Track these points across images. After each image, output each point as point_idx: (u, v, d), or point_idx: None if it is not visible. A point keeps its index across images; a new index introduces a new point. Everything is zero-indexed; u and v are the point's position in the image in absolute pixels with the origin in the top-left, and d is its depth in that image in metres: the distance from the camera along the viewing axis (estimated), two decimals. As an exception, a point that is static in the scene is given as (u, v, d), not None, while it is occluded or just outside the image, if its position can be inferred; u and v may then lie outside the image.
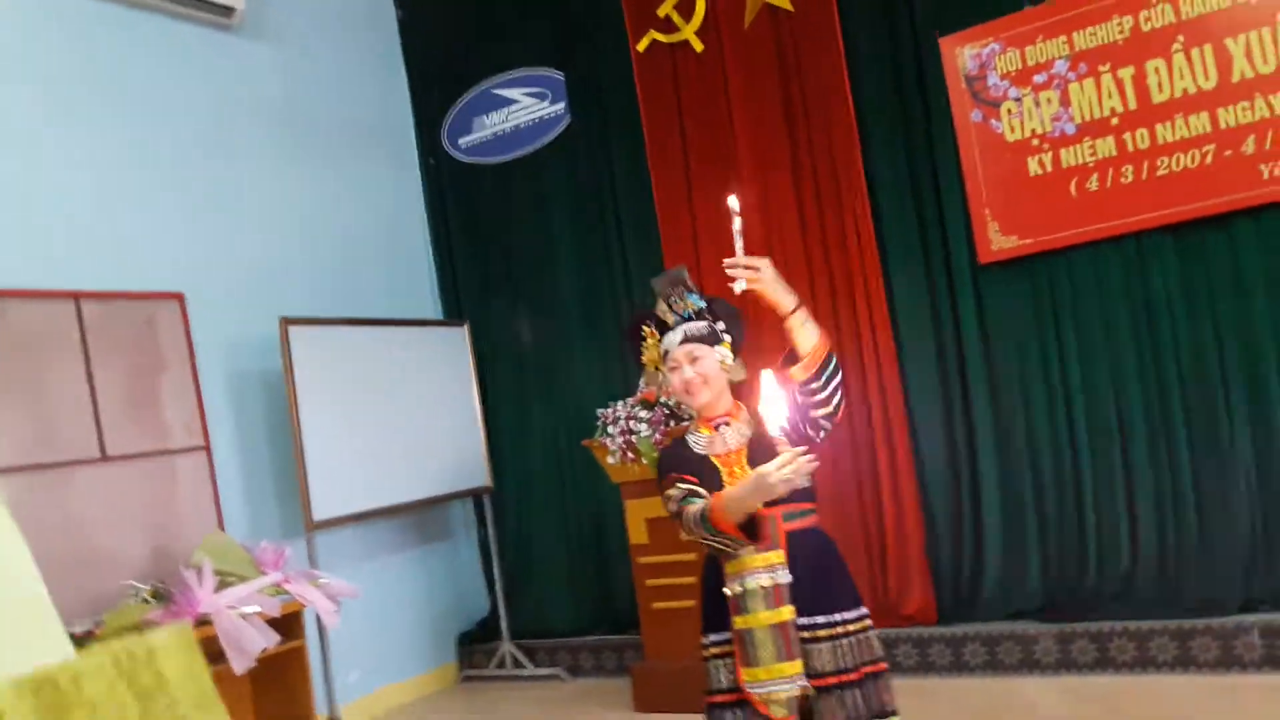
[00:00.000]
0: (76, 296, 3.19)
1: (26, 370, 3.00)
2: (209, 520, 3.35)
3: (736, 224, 1.64)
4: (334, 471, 3.55)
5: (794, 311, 1.67)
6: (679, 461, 1.73)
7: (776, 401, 1.49)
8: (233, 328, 3.58)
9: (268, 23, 3.97)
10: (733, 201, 1.64)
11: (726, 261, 1.66)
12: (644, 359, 1.83)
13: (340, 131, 4.18)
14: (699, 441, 1.75)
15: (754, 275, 1.65)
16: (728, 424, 1.75)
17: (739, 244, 1.64)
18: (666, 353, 1.77)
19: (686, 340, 1.75)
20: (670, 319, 1.78)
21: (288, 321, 3.49)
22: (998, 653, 3.18)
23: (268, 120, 3.92)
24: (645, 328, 1.82)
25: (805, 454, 1.49)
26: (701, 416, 1.77)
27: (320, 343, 3.62)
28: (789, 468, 1.47)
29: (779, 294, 1.66)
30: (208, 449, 3.41)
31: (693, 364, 1.73)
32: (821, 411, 1.66)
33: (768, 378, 1.51)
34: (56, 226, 3.19)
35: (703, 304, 1.77)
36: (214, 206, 3.67)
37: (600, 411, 3.46)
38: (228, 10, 3.76)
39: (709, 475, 1.69)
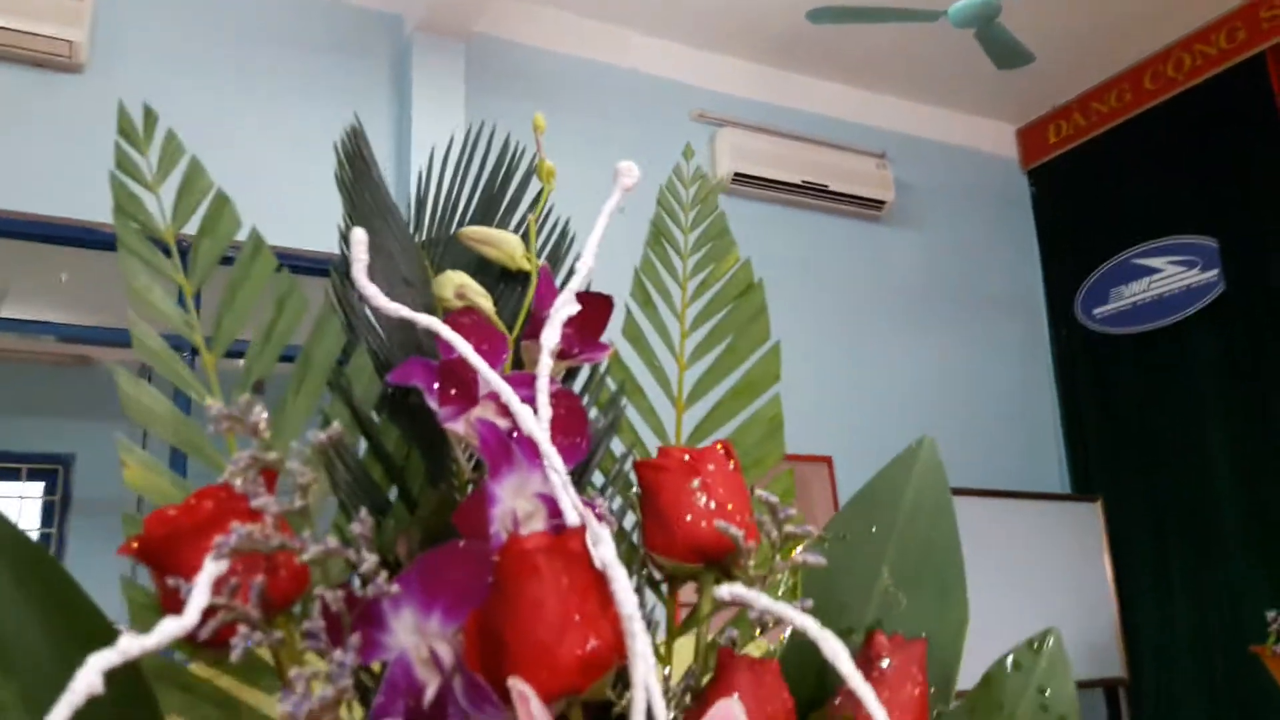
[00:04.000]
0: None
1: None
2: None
3: None
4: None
5: None
6: None
7: None
8: (874, 492, 4.35)
9: (911, 209, 4.80)
10: None
11: None
12: None
13: (970, 304, 4.82)
14: None
15: None
16: None
17: None
18: None
19: None
20: None
21: (927, 491, 4.11)
22: None
23: (905, 296, 4.70)
24: None
25: None
26: None
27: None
28: None
29: None
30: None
31: None
32: None
33: None
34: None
35: None
36: (856, 376, 4.50)
37: (1272, 615, 3.46)
38: (879, 204, 4.66)
39: None
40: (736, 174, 4.32)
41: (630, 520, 0.56)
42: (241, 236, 0.59)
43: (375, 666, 0.48)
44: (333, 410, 0.50)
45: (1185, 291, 4.41)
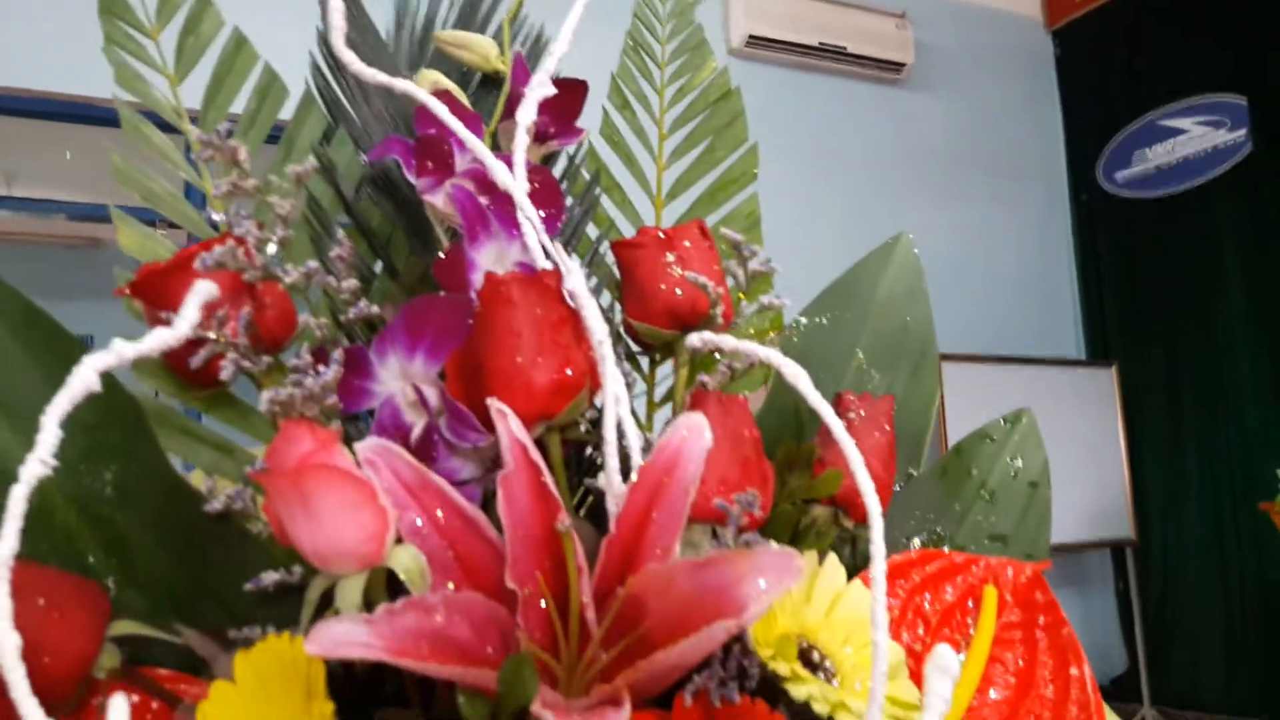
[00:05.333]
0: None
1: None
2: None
3: None
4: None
5: None
6: None
7: None
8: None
9: (932, 73, 4.69)
10: None
11: None
12: None
13: (990, 169, 4.76)
14: None
15: None
16: None
17: None
18: None
19: None
20: None
21: (940, 357, 4.15)
22: None
23: (923, 163, 4.64)
24: None
25: None
26: None
27: (966, 379, 4.22)
28: None
29: None
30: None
31: None
32: None
33: None
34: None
35: None
36: (872, 241, 4.47)
37: (1283, 471, 3.52)
38: (898, 66, 4.56)
39: None
40: (751, 36, 4.22)
41: (607, 300, 0.59)
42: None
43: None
44: (316, 186, 0.52)
45: (1211, 153, 4.33)
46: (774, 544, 0.42)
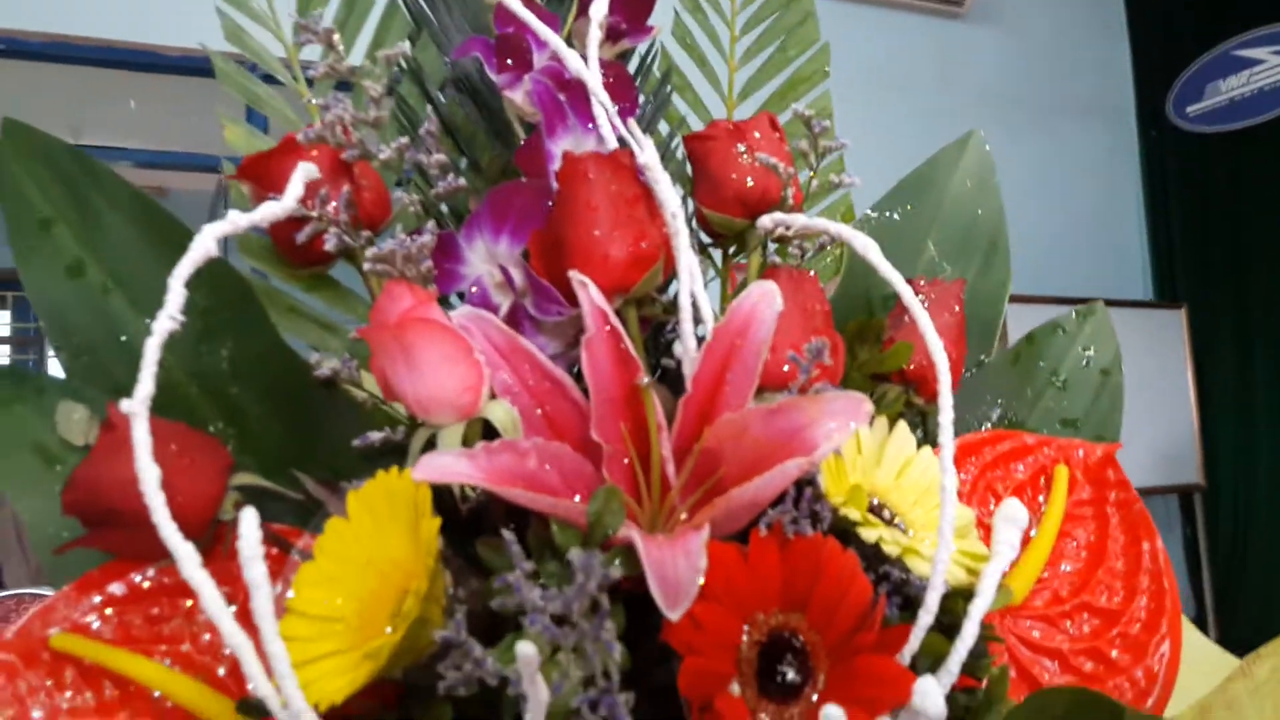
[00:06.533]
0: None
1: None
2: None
3: None
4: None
5: None
6: None
7: None
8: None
9: (995, 6, 4.58)
10: None
11: None
12: None
13: (1053, 106, 4.65)
14: None
15: None
16: None
17: None
18: None
19: None
20: None
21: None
22: None
23: (985, 100, 4.55)
24: None
25: None
26: None
27: (1031, 320, 4.16)
28: None
29: None
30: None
31: None
32: None
33: None
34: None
35: None
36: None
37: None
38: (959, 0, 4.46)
39: None
40: (805, -27, 4.15)
41: (680, 195, 0.61)
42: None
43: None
44: (404, 87, 0.55)
45: (1288, 83, 4.19)
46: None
